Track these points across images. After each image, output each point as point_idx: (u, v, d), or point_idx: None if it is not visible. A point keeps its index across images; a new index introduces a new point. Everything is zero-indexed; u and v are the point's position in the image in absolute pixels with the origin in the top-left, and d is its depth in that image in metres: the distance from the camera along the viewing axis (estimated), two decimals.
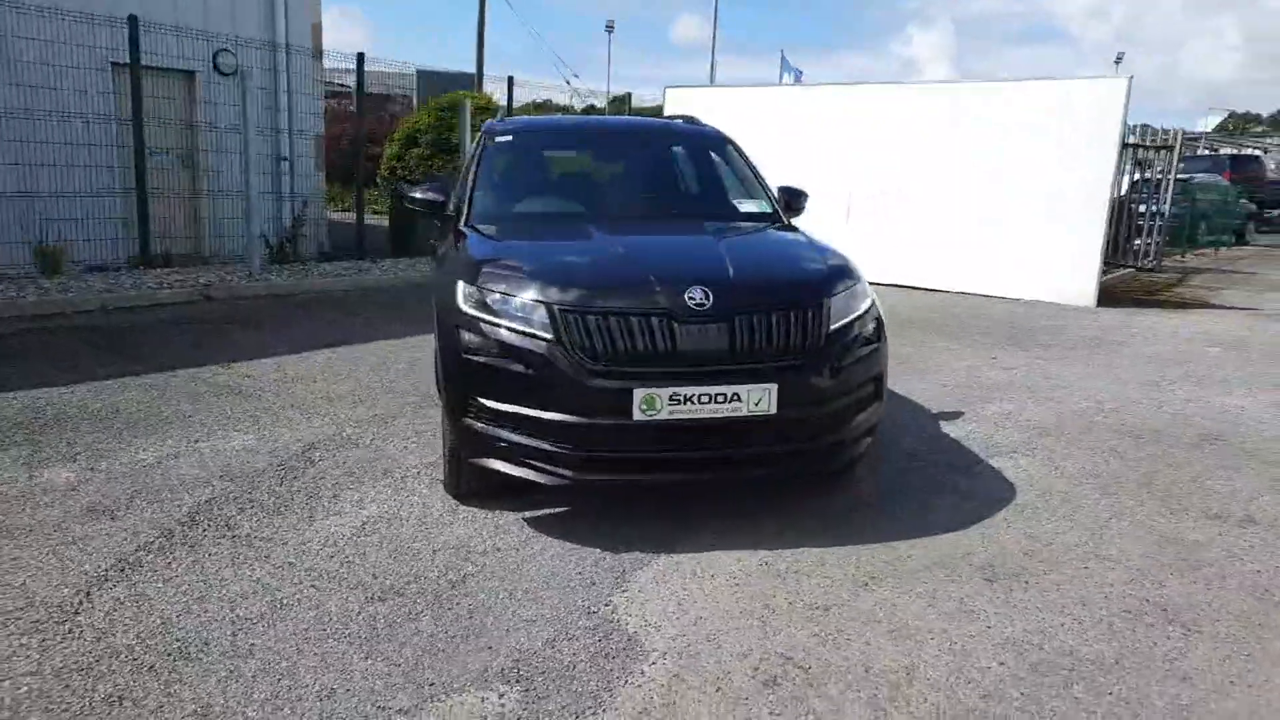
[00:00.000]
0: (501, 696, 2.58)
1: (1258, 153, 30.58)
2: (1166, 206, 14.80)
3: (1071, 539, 3.78)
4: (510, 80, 13.72)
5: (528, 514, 3.87)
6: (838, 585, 3.30)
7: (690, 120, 5.62)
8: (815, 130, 12.41)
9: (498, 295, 3.58)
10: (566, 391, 3.38)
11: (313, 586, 3.22)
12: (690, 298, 3.46)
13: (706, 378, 3.40)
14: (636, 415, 3.36)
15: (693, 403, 3.38)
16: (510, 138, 5.01)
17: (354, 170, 12.91)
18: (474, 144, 4.97)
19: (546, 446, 3.45)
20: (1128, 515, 4.06)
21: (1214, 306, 11.23)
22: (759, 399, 3.44)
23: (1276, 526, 3.96)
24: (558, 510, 3.91)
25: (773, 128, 12.43)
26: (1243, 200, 22.06)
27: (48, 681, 2.58)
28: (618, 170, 5.19)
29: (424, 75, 22.29)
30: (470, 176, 4.73)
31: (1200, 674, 2.77)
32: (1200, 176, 19.72)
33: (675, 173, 5.21)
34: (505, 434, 3.51)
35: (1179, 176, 15.05)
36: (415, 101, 21.21)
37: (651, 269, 3.67)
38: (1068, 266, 10.68)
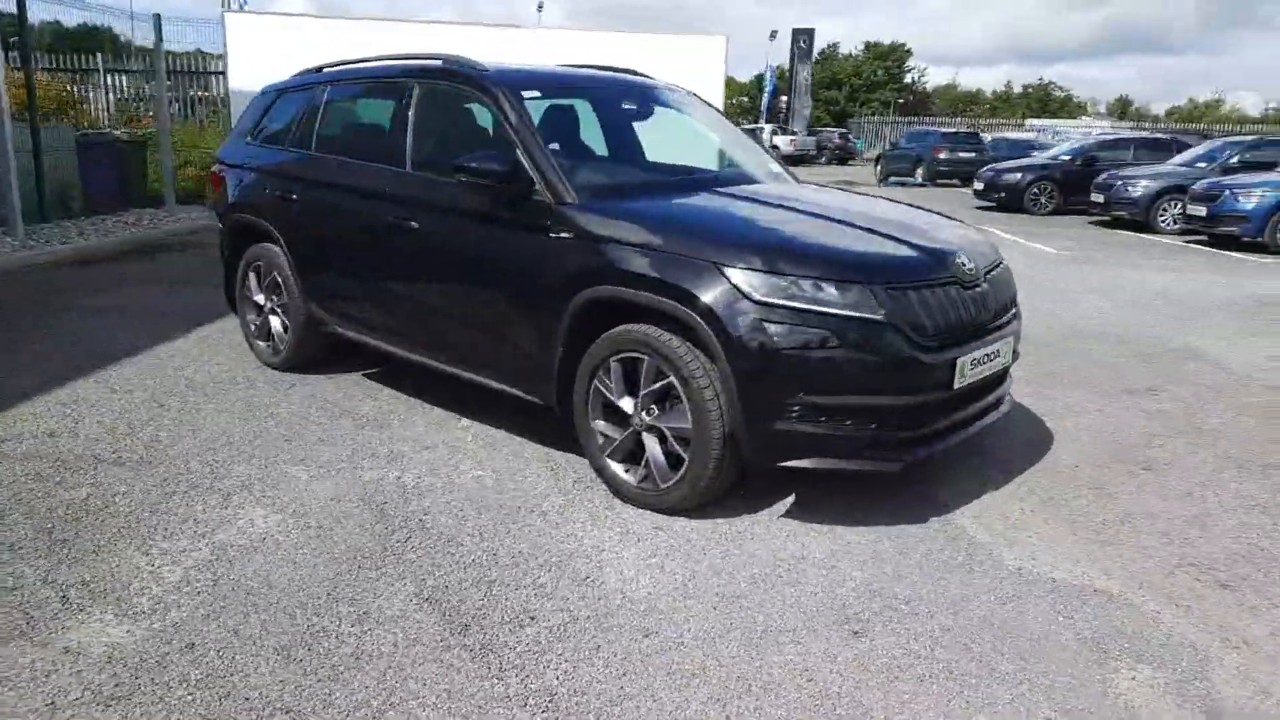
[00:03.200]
0: (1139, 671, 2.63)
1: None
2: None
3: (1157, 426, 4.76)
4: None
5: (772, 515, 3.63)
6: (1103, 503, 3.80)
7: (642, 74, 5.26)
8: None
9: (794, 280, 3.24)
10: (903, 372, 3.27)
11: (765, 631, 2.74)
12: (963, 264, 3.56)
13: (984, 338, 3.58)
14: (956, 384, 3.42)
15: (981, 364, 3.55)
16: (538, 93, 4.22)
17: None
18: (488, 102, 4.07)
19: (878, 432, 3.31)
20: (1168, 403, 5.18)
21: None
22: (1005, 351, 3.74)
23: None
24: (785, 502, 3.72)
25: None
26: None
27: None
28: (655, 131, 4.71)
29: None
30: (528, 142, 3.92)
31: None
32: None
33: (705, 132, 4.91)
34: (830, 429, 3.26)
35: None
36: None
37: (912, 239, 3.64)
38: None
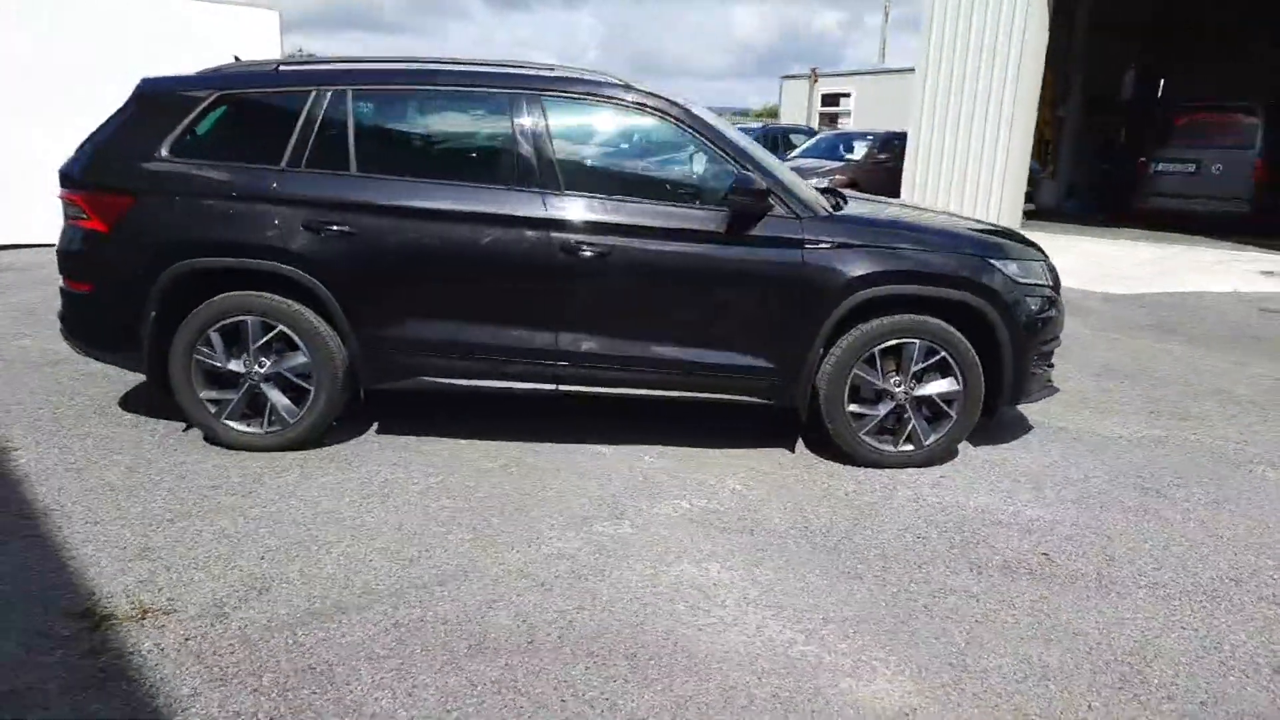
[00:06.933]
0: None
1: None
2: None
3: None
4: None
5: (991, 449, 4.69)
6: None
7: None
8: None
9: (1026, 266, 4.32)
10: (1061, 322, 4.60)
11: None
12: None
13: None
14: None
15: None
16: (680, 110, 4.27)
17: None
18: (657, 112, 4.08)
19: (1048, 368, 4.58)
20: None
21: None
22: None
23: None
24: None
25: None
26: None
27: None
28: None
29: None
30: (747, 160, 4.13)
31: None
32: None
33: None
34: (1041, 369, 4.46)
35: None
36: None
37: None
38: None
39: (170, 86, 4.23)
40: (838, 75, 23.14)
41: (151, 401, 4.79)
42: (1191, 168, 13.80)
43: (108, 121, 4.22)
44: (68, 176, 4.16)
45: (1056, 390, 4.67)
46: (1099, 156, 17.19)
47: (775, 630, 2.92)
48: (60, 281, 4.31)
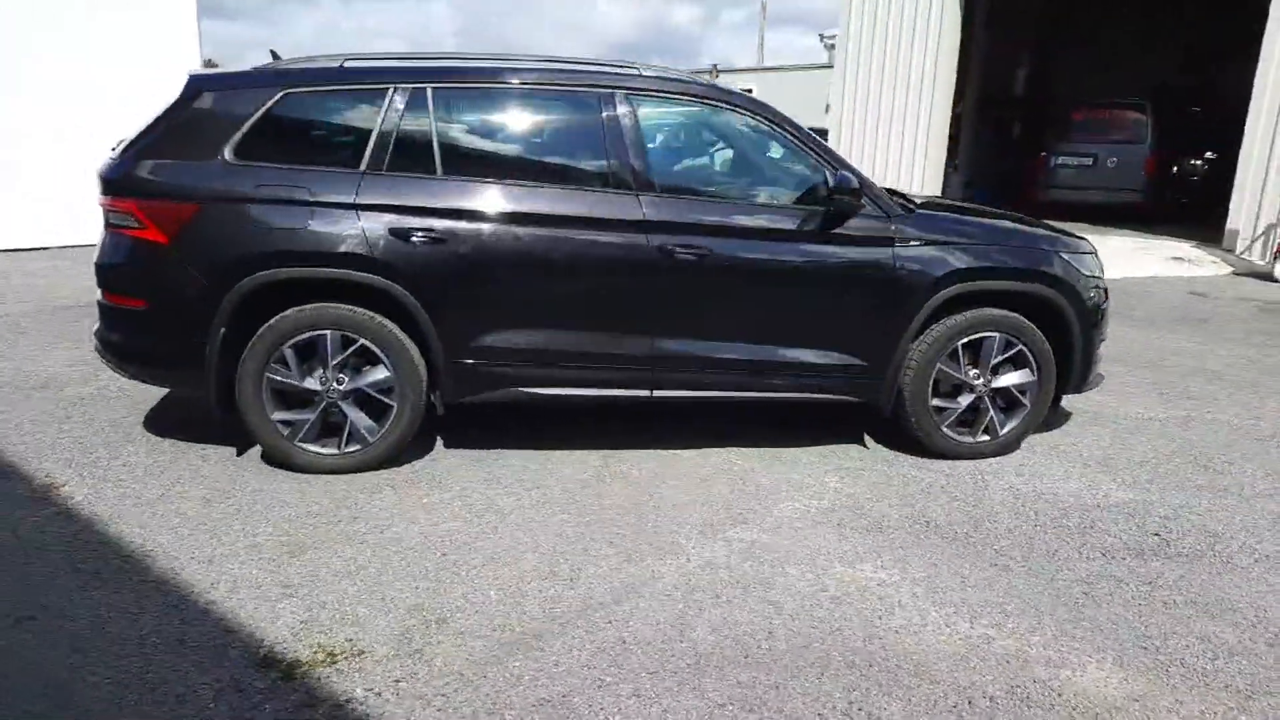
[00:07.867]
0: None
1: None
2: None
3: None
4: None
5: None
6: None
7: None
8: None
9: (1082, 258, 4.52)
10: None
11: None
12: None
13: None
14: None
15: None
16: (770, 110, 4.25)
17: None
18: (748, 108, 4.02)
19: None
20: None
21: None
22: None
23: None
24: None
25: None
26: None
27: None
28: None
29: None
30: (839, 162, 4.15)
31: None
32: None
33: None
34: (1098, 357, 4.68)
35: None
36: None
37: None
38: None
39: (228, 84, 3.92)
40: (739, 71, 23.52)
41: (186, 422, 4.45)
42: (1089, 161, 14.71)
43: (155, 122, 3.86)
44: (112, 182, 3.79)
45: (1104, 378, 4.90)
46: (997, 151, 18.10)
47: (965, 627, 2.96)
48: (100, 297, 3.93)
